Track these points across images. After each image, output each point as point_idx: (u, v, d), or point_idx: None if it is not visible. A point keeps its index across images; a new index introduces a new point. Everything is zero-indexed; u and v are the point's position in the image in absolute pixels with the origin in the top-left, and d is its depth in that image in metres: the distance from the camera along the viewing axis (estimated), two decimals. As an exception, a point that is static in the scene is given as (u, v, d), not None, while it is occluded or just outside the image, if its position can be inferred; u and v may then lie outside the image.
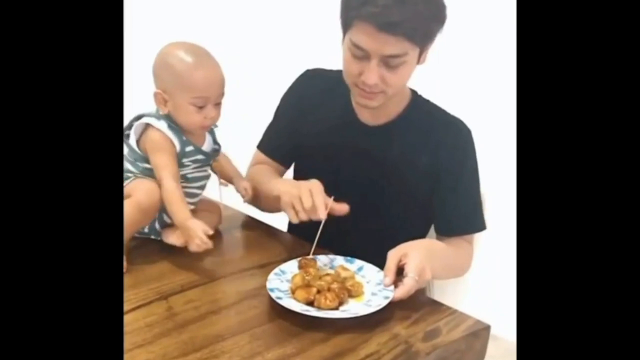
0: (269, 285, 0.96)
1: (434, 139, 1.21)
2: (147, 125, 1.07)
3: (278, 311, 0.94)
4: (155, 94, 1.06)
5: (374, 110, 1.20)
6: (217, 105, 1.07)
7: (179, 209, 1.03)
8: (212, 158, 1.15)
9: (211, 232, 1.01)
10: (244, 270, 1.06)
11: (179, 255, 1.08)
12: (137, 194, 1.05)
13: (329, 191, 1.07)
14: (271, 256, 1.10)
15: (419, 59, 1.12)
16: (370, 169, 1.23)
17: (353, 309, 0.94)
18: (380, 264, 1.04)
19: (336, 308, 0.93)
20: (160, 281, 1.02)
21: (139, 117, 1.09)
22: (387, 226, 1.24)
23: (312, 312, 0.91)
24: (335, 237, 1.07)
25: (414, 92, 1.26)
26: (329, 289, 0.95)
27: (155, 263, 1.08)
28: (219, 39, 2.31)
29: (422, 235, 1.32)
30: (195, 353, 0.83)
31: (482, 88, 1.86)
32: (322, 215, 1.04)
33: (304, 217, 1.05)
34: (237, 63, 2.32)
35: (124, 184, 1.08)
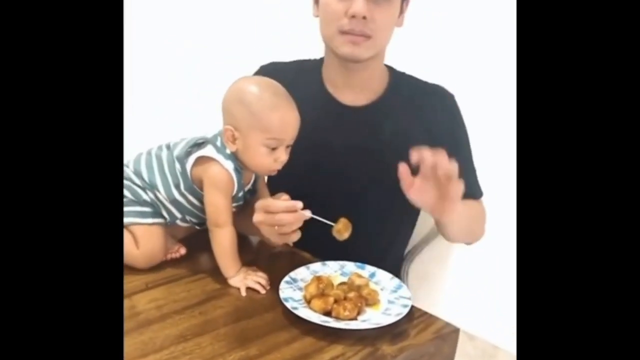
0: (282, 294, 0.92)
1: (426, 111, 1.18)
2: (212, 159, 0.99)
3: (244, 312, 0.92)
4: (225, 130, 0.98)
5: (356, 88, 1.16)
6: (288, 148, 1.01)
7: (229, 266, 1.00)
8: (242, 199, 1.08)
9: (262, 281, 0.99)
10: (211, 269, 1.03)
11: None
12: (146, 247, 1.02)
13: (316, 186, 1.02)
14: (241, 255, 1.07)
15: (401, 13, 1.12)
16: (361, 153, 1.16)
17: (373, 318, 0.90)
18: (367, 255, 1.05)
19: (355, 318, 0.90)
20: (124, 279, 0.99)
21: (200, 143, 1.01)
22: (378, 214, 1.18)
23: (332, 323, 0.87)
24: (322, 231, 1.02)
25: (391, 68, 1.23)
26: (345, 298, 0.92)
27: (121, 260, 1.05)
28: (219, 39, 2.30)
29: (413, 221, 1.29)
30: (154, 354, 0.80)
31: (481, 85, 1.83)
32: (307, 213, 0.96)
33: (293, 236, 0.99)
34: (236, 63, 2.32)
35: (126, 215, 1.02)
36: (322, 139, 1.14)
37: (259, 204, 0.98)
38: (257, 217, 0.98)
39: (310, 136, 1.06)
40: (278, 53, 2.18)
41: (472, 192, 1.21)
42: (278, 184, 1.10)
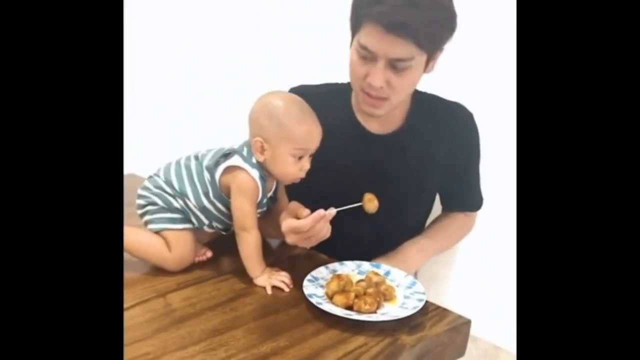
0: (306, 291, 0.99)
1: (446, 130, 1.25)
2: (239, 168, 1.06)
3: (270, 308, 0.99)
4: (255, 142, 1.05)
5: (381, 119, 1.20)
6: (310, 157, 1.08)
7: (255, 267, 1.07)
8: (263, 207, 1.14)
9: (286, 280, 1.06)
10: (236, 270, 1.10)
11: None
12: (179, 250, 1.09)
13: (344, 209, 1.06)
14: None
15: (426, 67, 1.11)
16: (390, 179, 1.24)
17: (391, 312, 0.97)
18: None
19: (374, 311, 0.97)
20: (156, 280, 1.06)
21: (228, 154, 1.08)
22: (402, 225, 1.29)
23: (354, 316, 0.94)
24: (349, 240, 1.12)
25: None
26: (365, 293, 0.99)
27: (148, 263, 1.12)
28: (219, 39, 2.28)
29: (423, 223, 1.39)
30: (193, 346, 0.87)
31: (482, 86, 1.86)
32: (332, 211, 1.03)
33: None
34: (236, 63, 2.35)
35: (150, 221, 1.10)
36: (347, 164, 1.22)
37: (286, 228, 1.06)
38: (291, 239, 1.07)
39: (337, 161, 1.13)
40: (278, 53, 2.23)
41: (473, 205, 1.39)
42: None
